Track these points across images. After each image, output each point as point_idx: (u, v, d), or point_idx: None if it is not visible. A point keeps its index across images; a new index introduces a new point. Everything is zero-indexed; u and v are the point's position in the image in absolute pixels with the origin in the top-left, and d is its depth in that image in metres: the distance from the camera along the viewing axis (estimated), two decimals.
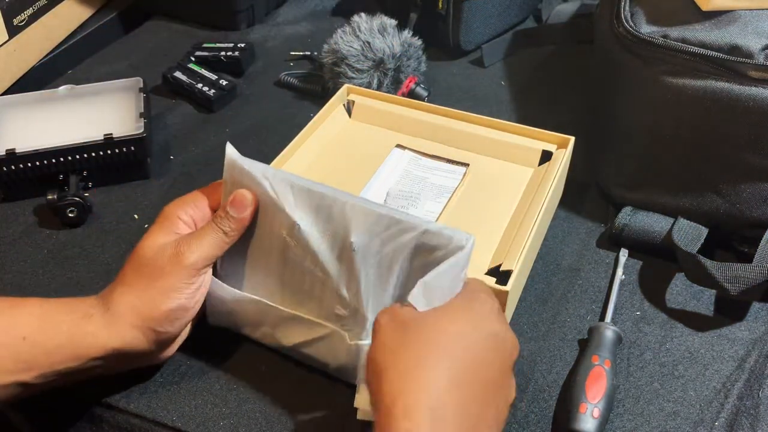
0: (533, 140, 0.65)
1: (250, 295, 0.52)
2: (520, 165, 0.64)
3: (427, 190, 0.62)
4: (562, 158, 0.62)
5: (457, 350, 0.41)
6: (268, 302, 0.52)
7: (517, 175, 0.63)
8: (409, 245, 0.47)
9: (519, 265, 0.53)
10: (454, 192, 0.62)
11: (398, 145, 0.67)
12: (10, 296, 0.55)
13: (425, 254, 0.46)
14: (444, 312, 0.43)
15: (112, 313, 0.48)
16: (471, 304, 0.44)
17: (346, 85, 0.72)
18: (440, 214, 0.60)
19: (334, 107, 0.70)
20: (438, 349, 0.41)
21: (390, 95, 0.72)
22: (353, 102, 0.71)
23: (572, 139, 0.64)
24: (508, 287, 0.51)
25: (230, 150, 0.51)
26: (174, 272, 0.48)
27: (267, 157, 0.62)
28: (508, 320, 0.57)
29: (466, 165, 0.65)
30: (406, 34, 0.79)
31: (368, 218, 0.47)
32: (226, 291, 0.52)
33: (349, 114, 0.70)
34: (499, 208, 0.60)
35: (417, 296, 0.43)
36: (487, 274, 0.54)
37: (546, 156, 0.64)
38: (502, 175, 0.63)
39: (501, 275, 0.53)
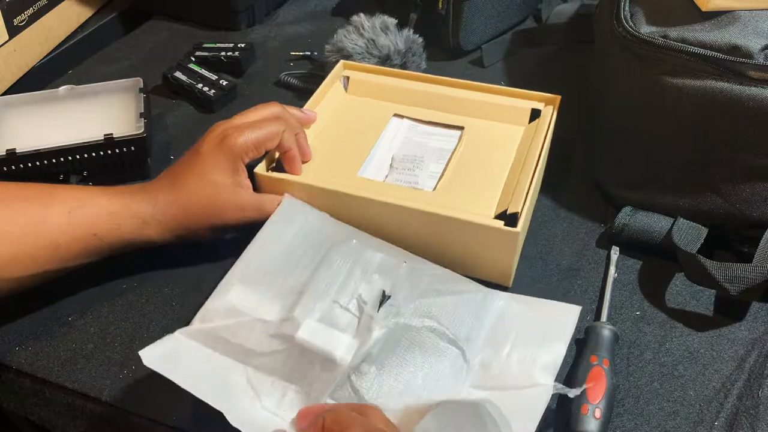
0: (522, 100, 0.68)
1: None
2: (511, 124, 0.67)
3: (429, 154, 0.66)
4: (551, 115, 0.66)
5: None
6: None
7: (510, 133, 0.66)
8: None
9: (525, 207, 0.56)
10: (453, 152, 0.65)
11: (396, 115, 0.70)
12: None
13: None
14: None
15: None
16: None
17: (341, 62, 0.74)
18: (443, 172, 0.62)
19: (331, 84, 0.72)
20: None
21: (383, 68, 0.74)
22: (349, 77, 0.73)
23: (559, 97, 0.67)
24: (518, 228, 0.55)
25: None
26: None
27: (267, 156, 0.62)
28: (514, 265, 0.59)
29: (461, 128, 0.67)
30: (407, 32, 0.80)
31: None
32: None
33: (346, 89, 0.73)
34: (497, 162, 0.63)
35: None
36: (495, 218, 0.56)
37: (535, 114, 0.67)
38: (496, 134, 0.67)
39: (509, 218, 0.56)
